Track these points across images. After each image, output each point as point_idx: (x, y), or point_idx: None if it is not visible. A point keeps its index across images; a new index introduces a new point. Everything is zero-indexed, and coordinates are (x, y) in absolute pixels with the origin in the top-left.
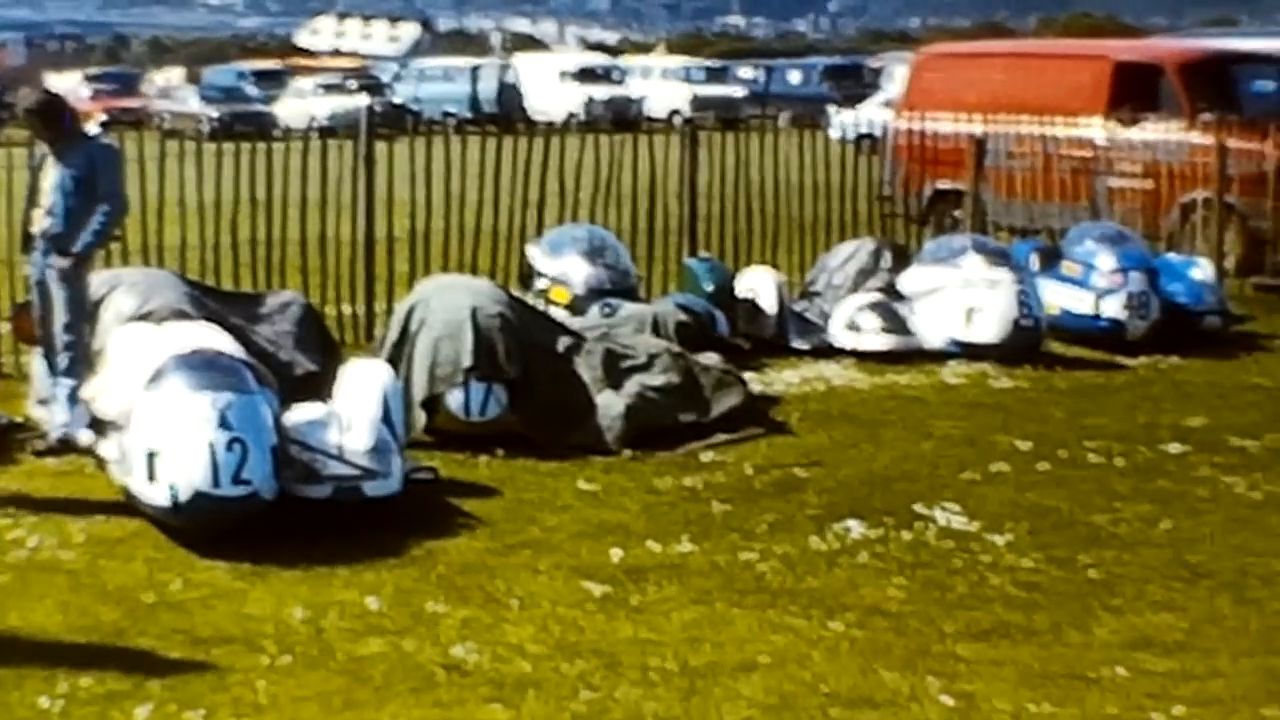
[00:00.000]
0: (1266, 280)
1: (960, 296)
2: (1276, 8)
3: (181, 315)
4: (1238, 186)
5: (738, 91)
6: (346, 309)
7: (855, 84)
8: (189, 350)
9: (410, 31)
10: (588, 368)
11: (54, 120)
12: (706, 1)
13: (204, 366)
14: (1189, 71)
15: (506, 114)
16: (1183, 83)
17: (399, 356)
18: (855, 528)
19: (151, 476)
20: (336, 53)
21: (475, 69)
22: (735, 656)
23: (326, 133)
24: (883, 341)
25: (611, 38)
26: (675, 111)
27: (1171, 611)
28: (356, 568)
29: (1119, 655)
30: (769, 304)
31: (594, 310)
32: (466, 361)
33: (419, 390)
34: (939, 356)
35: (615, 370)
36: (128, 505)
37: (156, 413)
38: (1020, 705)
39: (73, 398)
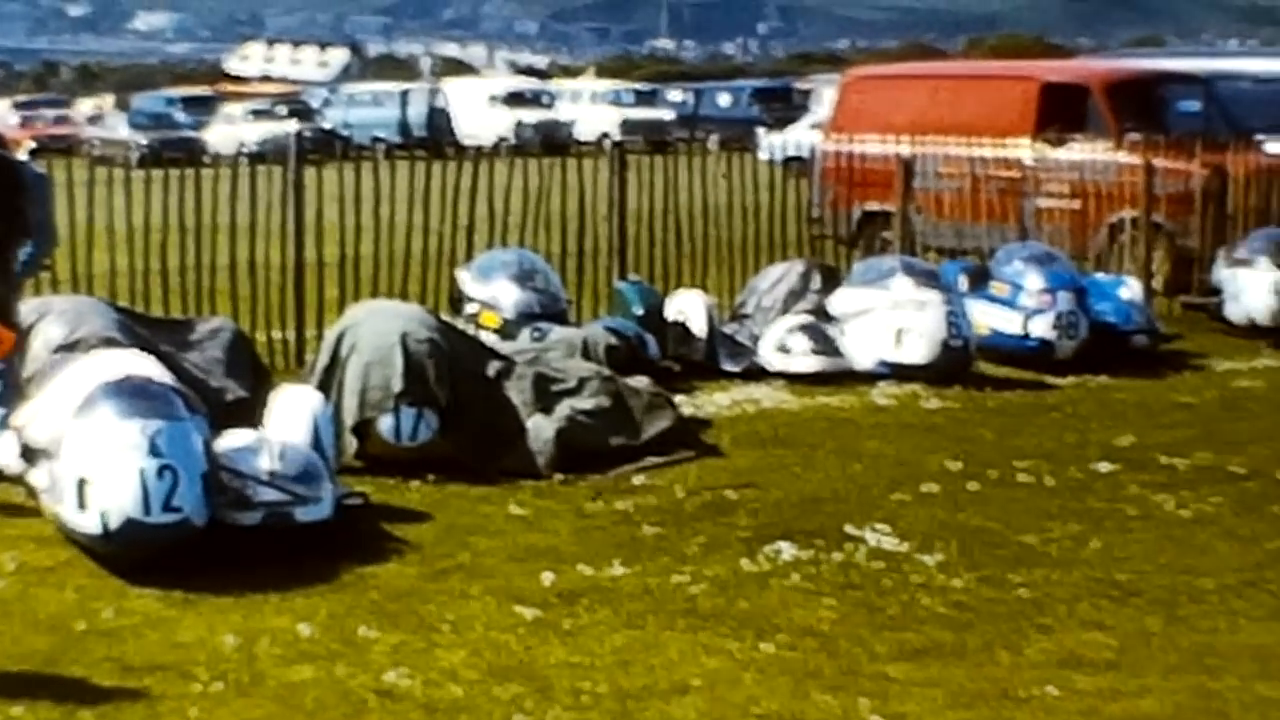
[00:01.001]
0: (1194, 299)
1: (889, 318)
2: (1203, 28)
3: (111, 342)
4: (1165, 206)
5: (667, 114)
6: (276, 335)
7: (784, 106)
8: (119, 377)
9: (339, 57)
10: (518, 392)
11: None
12: (635, 25)
13: (134, 393)
14: (1115, 92)
15: (436, 139)
16: (1109, 103)
17: (329, 382)
18: (786, 549)
19: (82, 504)
20: (266, 78)
21: (404, 94)
22: (667, 679)
23: (256, 159)
24: (813, 363)
25: (541, 62)
26: (604, 135)
27: (1102, 630)
28: (288, 594)
29: (1050, 674)
30: (699, 327)
31: (524, 334)
32: (397, 386)
33: (350, 416)
34: (869, 378)
35: (546, 394)
36: (59, 533)
37: (86, 440)
38: None
39: (2, 425)
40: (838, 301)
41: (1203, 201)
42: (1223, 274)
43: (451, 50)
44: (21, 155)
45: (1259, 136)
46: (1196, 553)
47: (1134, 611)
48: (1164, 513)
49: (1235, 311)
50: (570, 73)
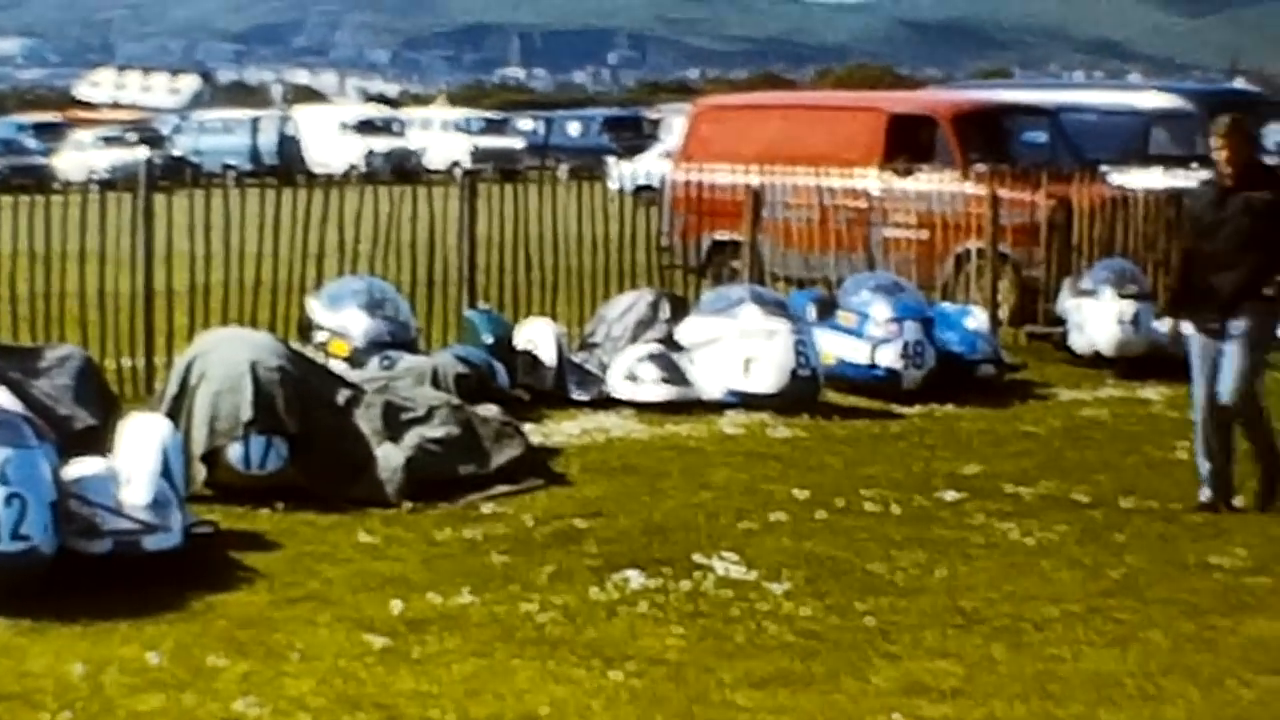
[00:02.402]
0: (1039, 329)
1: (738, 347)
2: (1048, 59)
3: None
4: (1010, 236)
5: (517, 143)
6: (126, 362)
7: (634, 135)
8: None
9: (190, 84)
10: (367, 420)
11: None
12: (486, 53)
13: None
14: (962, 123)
15: (286, 166)
16: (956, 134)
17: (179, 410)
18: (634, 578)
19: None
20: (116, 105)
21: (255, 121)
22: (515, 708)
23: (106, 185)
24: (661, 392)
25: (392, 90)
26: (455, 163)
27: (947, 658)
28: (137, 622)
29: (895, 702)
30: (548, 355)
31: (373, 363)
32: (246, 415)
33: (199, 444)
34: (717, 407)
35: (395, 423)
36: None
37: None
38: None
39: None
40: (686, 330)
41: (1048, 232)
42: (1067, 304)
43: (303, 78)
44: None
45: (1103, 168)
46: (1040, 581)
47: (979, 639)
48: (1009, 541)
49: (1080, 341)
50: (421, 101)
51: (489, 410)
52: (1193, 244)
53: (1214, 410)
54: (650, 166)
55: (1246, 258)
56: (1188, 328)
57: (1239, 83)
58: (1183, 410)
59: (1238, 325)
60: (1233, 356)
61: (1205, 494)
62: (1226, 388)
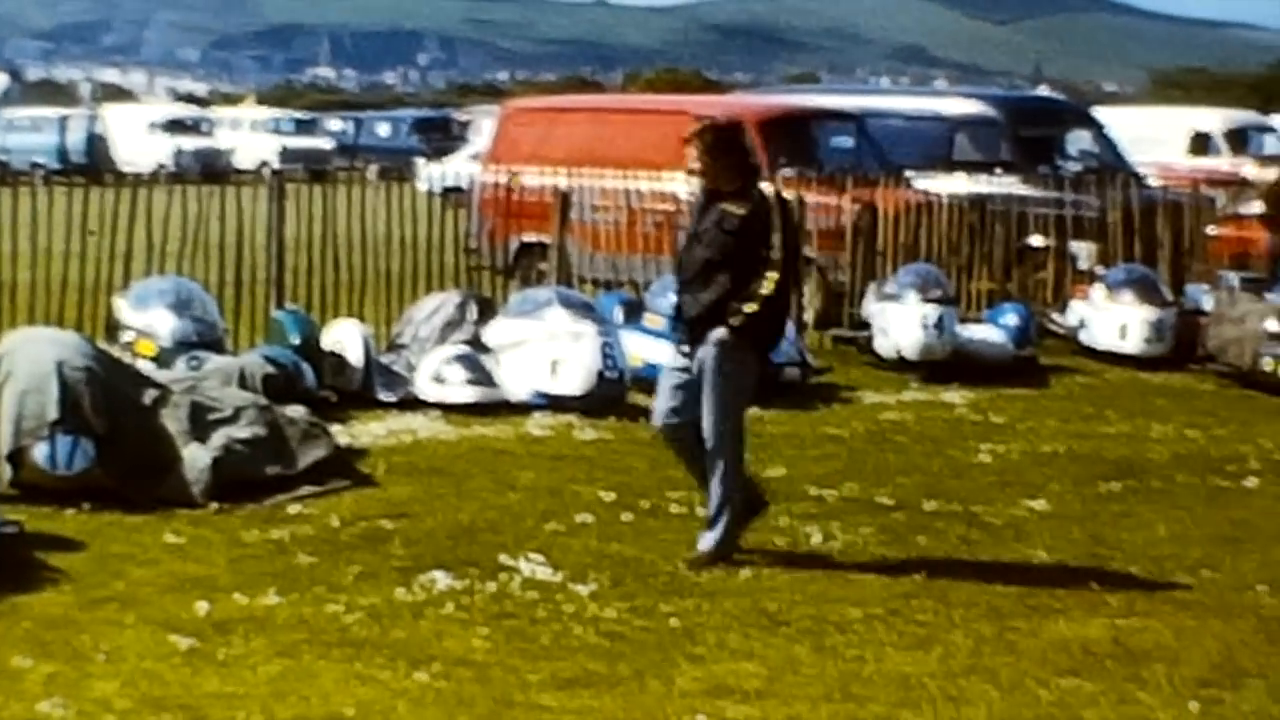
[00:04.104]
0: (845, 333)
1: (545, 349)
2: (856, 64)
3: None
4: (817, 240)
5: (326, 143)
6: None
7: (443, 137)
8: None
9: None
10: (174, 420)
11: None
12: (296, 53)
13: None
14: (769, 128)
15: (95, 165)
16: (763, 139)
17: None
18: (441, 579)
19: None
20: None
21: (63, 119)
22: (321, 709)
23: None
24: (468, 394)
25: (201, 89)
26: (264, 163)
27: (751, 659)
28: None
29: (700, 703)
30: (355, 356)
31: (180, 363)
32: (53, 414)
33: (4, 443)
34: (524, 408)
35: (202, 423)
36: None
37: None
38: None
39: None
40: (494, 332)
41: (853, 237)
42: (872, 308)
43: (112, 76)
44: None
45: (909, 173)
46: (843, 583)
47: (782, 641)
48: (811, 544)
49: (884, 345)
50: (230, 100)
51: (296, 411)
52: (680, 256)
53: (665, 430)
54: (459, 168)
55: (717, 277)
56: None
57: (1043, 89)
58: (986, 414)
59: (705, 353)
60: (706, 393)
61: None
62: (705, 426)
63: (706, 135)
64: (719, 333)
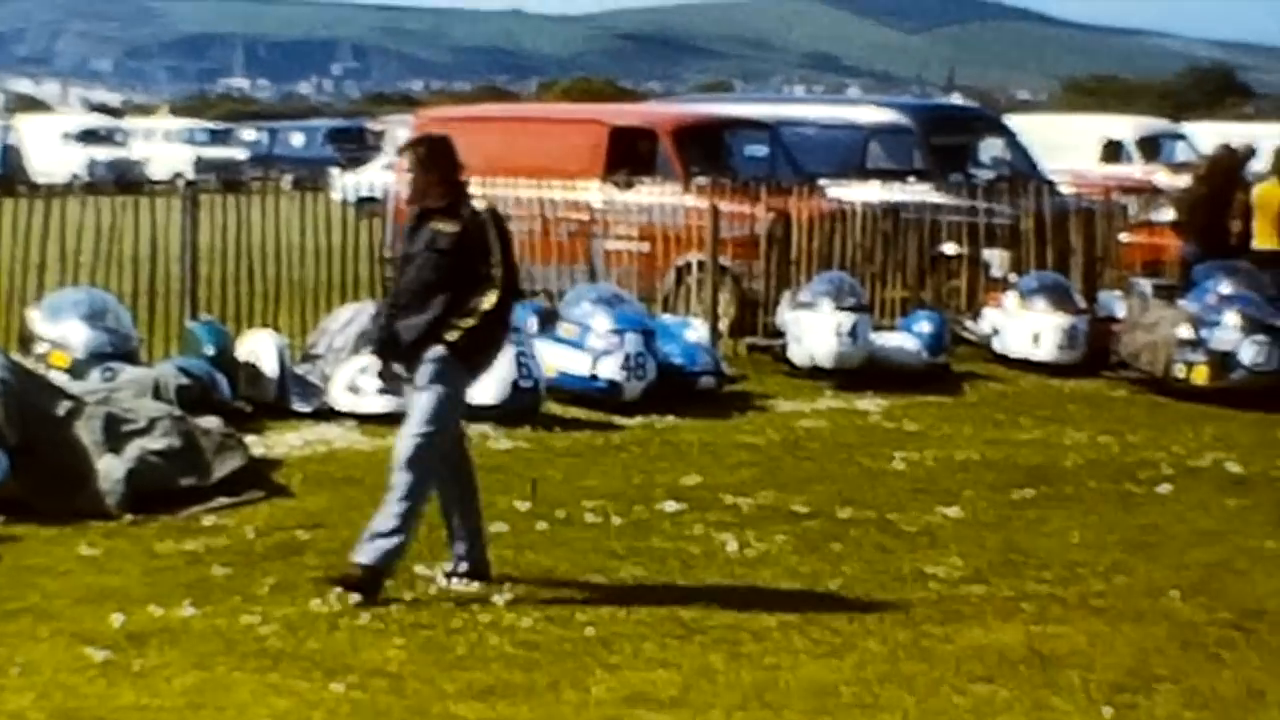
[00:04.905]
0: (759, 341)
1: None
2: (770, 73)
3: None
4: (731, 249)
5: (240, 154)
6: None
7: (357, 147)
8: None
9: None
10: (88, 432)
11: None
12: (210, 63)
13: None
14: (683, 136)
15: (9, 176)
16: (676, 147)
17: None
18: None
19: None
20: None
21: None
22: None
23: None
24: (383, 403)
25: (115, 99)
26: (178, 174)
27: (667, 668)
28: None
29: (615, 712)
30: (270, 367)
31: (94, 374)
32: None
33: None
34: None
35: (116, 434)
36: None
37: None
38: None
39: None
40: None
41: (767, 245)
42: (786, 317)
43: (25, 86)
44: None
45: (822, 181)
46: (759, 591)
47: (698, 649)
48: (727, 552)
49: (799, 353)
50: (144, 111)
51: (210, 422)
52: (395, 279)
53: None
54: (373, 178)
55: (434, 298)
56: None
57: (956, 98)
58: (900, 421)
59: (420, 371)
60: (414, 407)
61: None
62: (403, 442)
63: (419, 147)
64: (436, 349)
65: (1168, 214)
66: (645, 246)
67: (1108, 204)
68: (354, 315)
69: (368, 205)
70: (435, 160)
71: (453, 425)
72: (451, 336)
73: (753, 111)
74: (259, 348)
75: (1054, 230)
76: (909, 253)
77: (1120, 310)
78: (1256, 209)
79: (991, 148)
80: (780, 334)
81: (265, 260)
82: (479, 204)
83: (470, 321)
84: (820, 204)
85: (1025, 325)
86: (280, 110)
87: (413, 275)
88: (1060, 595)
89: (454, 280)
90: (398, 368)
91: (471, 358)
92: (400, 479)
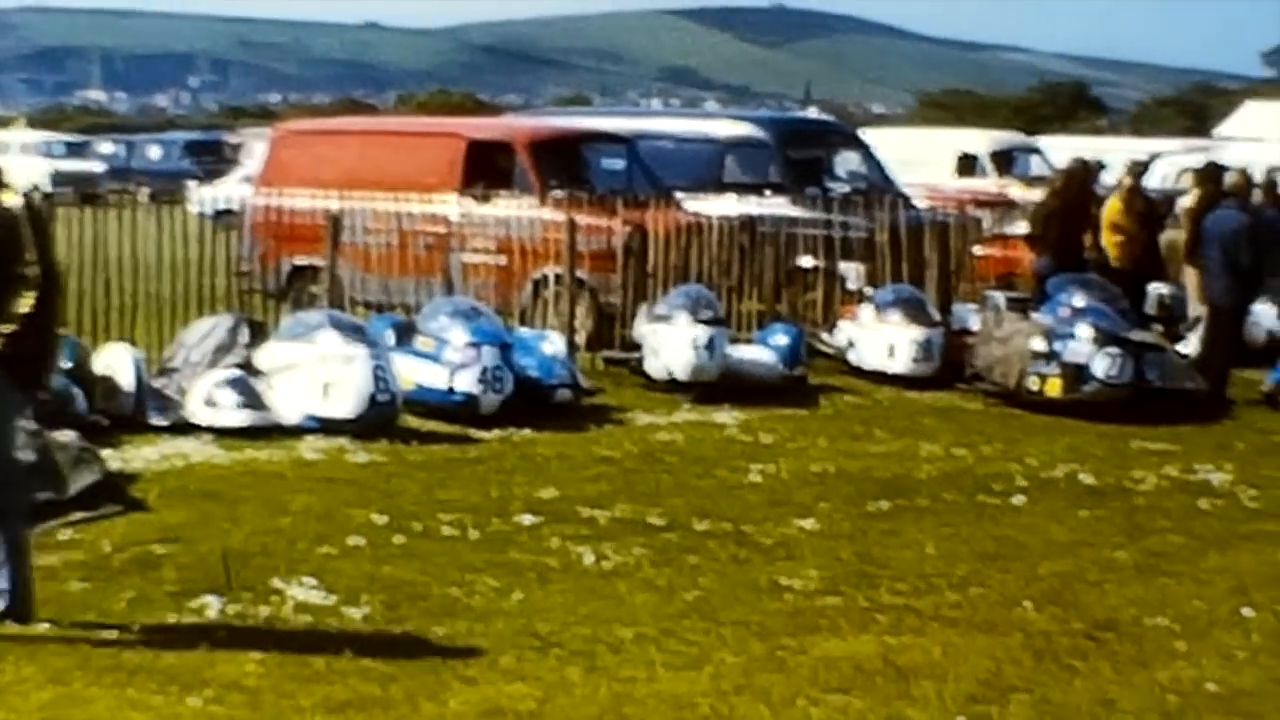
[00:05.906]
0: (616, 354)
1: (317, 372)
2: (628, 86)
3: None
4: (588, 262)
5: (98, 167)
6: None
7: (215, 160)
8: None
9: None
10: None
11: None
12: (67, 76)
13: None
14: (540, 150)
15: None
16: (534, 161)
17: None
18: (213, 604)
19: None
20: None
21: None
22: None
23: None
24: (240, 417)
25: None
26: (35, 186)
27: (524, 681)
28: None
29: None
30: (127, 381)
31: None
32: None
33: None
34: (296, 432)
35: None
36: None
37: None
38: None
39: None
40: (266, 356)
41: (624, 258)
42: (643, 330)
43: None
44: None
45: (679, 195)
46: (615, 604)
47: (555, 662)
48: (584, 565)
49: (655, 366)
50: (0, 123)
51: (66, 436)
52: None
53: None
54: (230, 191)
55: None
56: None
57: (812, 111)
58: (756, 434)
59: None
60: None
61: None
62: None
63: None
64: None
65: (1021, 227)
66: (502, 260)
67: (962, 217)
68: (211, 328)
69: (225, 218)
70: None
71: (8, 443)
72: None
73: (610, 125)
74: (115, 361)
75: (909, 243)
76: (765, 266)
77: (975, 323)
78: (1105, 225)
79: (847, 161)
80: (637, 347)
81: (122, 274)
82: (9, 198)
83: (9, 328)
84: (677, 217)
85: (881, 338)
86: (138, 123)
87: None
88: (915, 606)
89: None
90: None
91: (17, 369)
92: None
